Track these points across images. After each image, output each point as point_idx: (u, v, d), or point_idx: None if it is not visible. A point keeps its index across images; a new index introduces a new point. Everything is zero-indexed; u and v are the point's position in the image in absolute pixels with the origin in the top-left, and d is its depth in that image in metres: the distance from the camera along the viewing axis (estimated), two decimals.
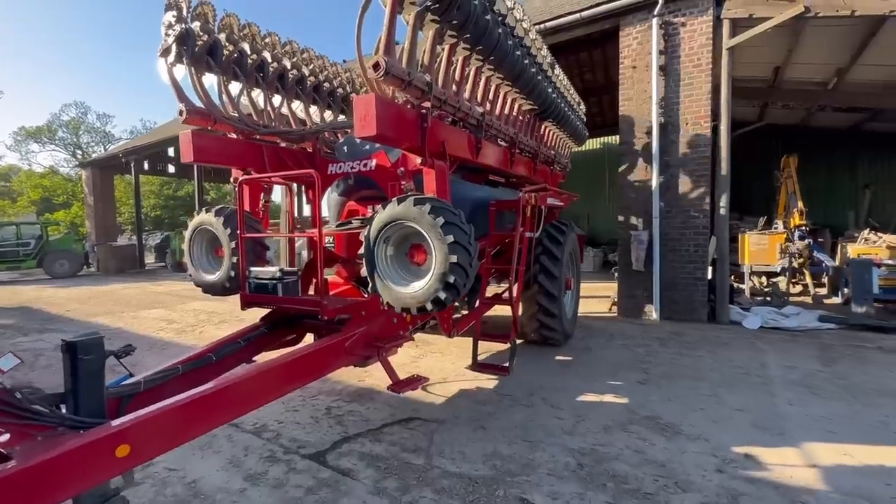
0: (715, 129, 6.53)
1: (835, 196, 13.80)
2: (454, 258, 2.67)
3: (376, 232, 2.91)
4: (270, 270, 3.24)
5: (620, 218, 7.47)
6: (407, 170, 3.33)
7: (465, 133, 3.77)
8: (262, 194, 4.08)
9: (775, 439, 3.19)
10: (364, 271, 3.00)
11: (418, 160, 3.14)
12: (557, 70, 5.84)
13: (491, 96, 4.32)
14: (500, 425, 3.50)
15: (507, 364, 3.93)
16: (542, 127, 6.02)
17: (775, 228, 8.52)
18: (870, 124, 12.25)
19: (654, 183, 6.92)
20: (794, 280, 8.06)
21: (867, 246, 7.21)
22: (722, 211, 6.41)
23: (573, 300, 6.37)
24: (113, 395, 2.33)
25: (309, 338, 3.85)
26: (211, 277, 3.75)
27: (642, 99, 7.12)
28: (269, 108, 4.39)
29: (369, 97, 2.63)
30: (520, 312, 4.93)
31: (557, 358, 5.18)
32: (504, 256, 5.19)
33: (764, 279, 8.65)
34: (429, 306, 2.79)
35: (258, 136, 4.15)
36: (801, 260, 7.74)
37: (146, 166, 20.74)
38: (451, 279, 2.70)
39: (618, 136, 18.04)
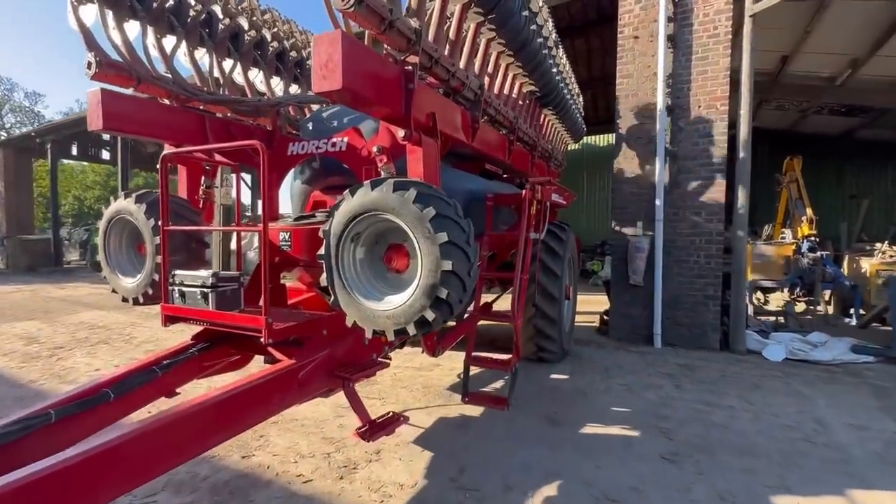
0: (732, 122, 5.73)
1: (821, 206, 13.56)
2: (448, 264, 1.93)
3: (341, 227, 2.15)
4: (201, 275, 2.44)
5: (615, 221, 6.54)
6: (386, 148, 2.58)
7: (459, 108, 3.05)
8: (203, 178, 3.26)
9: None
10: (324, 278, 2.24)
11: (401, 134, 2.40)
12: (561, 51, 5.18)
13: (490, 68, 3.61)
14: None
15: (499, 392, 3.20)
16: (542, 115, 5.35)
17: (783, 238, 7.94)
18: (862, 132, 12.05)
19: (658, 178, 5.99)
20: (797, 298, 7.40)
21: (886, 261, 6.62)
22: (740, 210, 5.50)
23: (571, 311, 5.72)
24: None
25: (260, 360, 3.06)
26: (130, 281, 2.93)
27: (645, 76, 6.11)
28: (218, 73, 3.59)
29: (334, 34, 1.87)
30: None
31: (547, 409, 3.81)
32: (496, 261, 4.49)
33: (761, 295, 8.04)
34: (411, 329, 2.05)
35: (201, 106, 3.33)
36: (812, 275, 6.99)
37: (74, 150, 18.36)
38: (444, 293, 1.96)
39: (598, 136, 17.23)
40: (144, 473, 1.73)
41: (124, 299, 2.99)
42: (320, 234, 2.23)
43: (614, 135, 6.69)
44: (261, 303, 3.01)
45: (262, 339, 2.29)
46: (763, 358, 5.30)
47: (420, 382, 4.53)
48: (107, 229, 2.97)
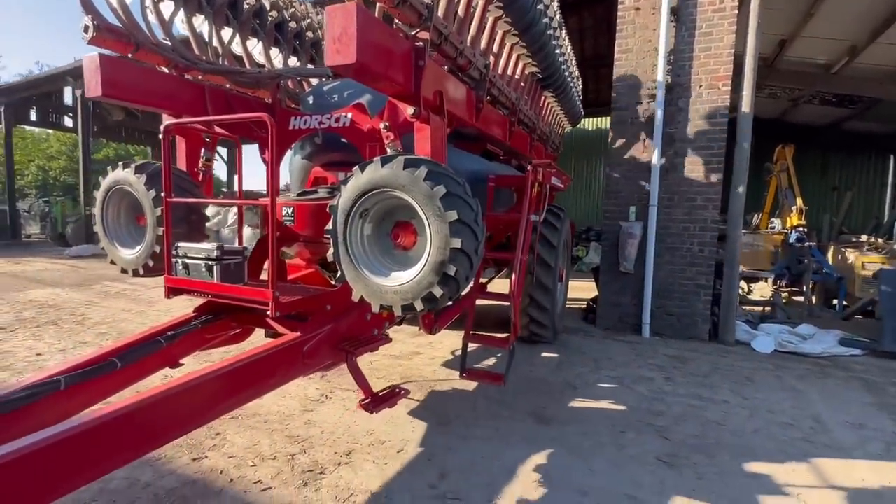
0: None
1: (805, 196, 13.75)
2: (457, 242, 1.97)
3: (350, 203, 2.16)
4: (205, 248, 2.44)
5: (607, 206, 6.37)
6: (393, 125, 2.57)
7: (464, 87, 3.03)
8: (203, 150, 3.21)
9: None
10: (331, 253, 2.25)
11: (410, 111, 2.39)
12: (564, 33, 5.15)
13: (496, 48, 3.58)
14: None
15: (499, 370, 3.28)
16: (542, 98, 5.33)
17: (771, 228, 8.01)
18: (849, 123, 12.18)
19: (655, 162, 5.78)
20: (781, 288, 7.48)
21: (873, 255, 6.61)
22: (740, 189, 5.28)
23: (563, 293, 5.81)
24: None
25: (260, 333, 3.08)
26: (129, 253, 2.90)
27: (645, 51, 5.74)
28: (216, 42, 3.49)
29: (349, 6, 1.84)
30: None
31: (534, 404, 3.60)
32: (492, 242, 4.53)
33: (744, 284, 8.12)
34: (418, 305, 2.09)
35: (200, 76, 3.26)
36: (800, 266, 6.89)
37: (33, 116, 17.04)
38: (452, 270, 2.00)
39: (586, 119, 16.66)
40: (153, 441, 1.76)
41: (123, 270, 2.97)
42: (328, 209, 2.24)
43: (604, 118, 6.60)
44: (262, 277, 3.03)
45: (268, 313, 2.30)
46: (752, 349, 5.22)
47: (398, 372, 4.25)
48: (104, 200, 2.93)
